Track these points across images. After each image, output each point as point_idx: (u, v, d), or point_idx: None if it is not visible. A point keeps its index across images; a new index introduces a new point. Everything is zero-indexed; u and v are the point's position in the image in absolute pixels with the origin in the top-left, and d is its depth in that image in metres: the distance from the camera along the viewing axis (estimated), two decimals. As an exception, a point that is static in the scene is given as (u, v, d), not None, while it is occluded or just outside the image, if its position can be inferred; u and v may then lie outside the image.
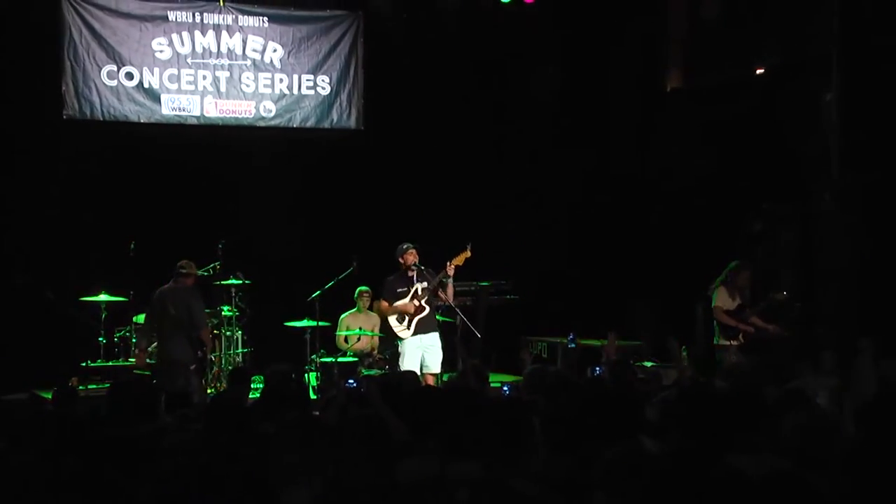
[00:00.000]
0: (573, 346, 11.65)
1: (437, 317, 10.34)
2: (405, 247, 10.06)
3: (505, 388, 8.59)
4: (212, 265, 11.21)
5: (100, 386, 10.59)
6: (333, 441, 3.99)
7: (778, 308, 10.48)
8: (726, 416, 4.14)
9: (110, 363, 11.20)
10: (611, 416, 4.60)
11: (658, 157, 13.45)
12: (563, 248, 13.63)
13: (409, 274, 10.04)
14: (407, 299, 10.03)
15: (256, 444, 4.09)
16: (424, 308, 10.01)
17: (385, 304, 10.18)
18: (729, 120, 12.34)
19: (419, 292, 10.01)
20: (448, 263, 9.90)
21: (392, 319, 10.16)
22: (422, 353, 9.98)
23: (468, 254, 9.98)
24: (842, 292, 10.71)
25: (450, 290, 10.05)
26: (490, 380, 9.02)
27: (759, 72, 12.14)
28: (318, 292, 10.90)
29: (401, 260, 10.08)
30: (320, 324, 10.99)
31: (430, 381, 9.77)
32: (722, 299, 10.29)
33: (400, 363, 10.02)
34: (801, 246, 11.43)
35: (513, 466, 4.09)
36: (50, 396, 7.33)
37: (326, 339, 11.45)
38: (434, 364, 10.02)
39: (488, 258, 10.73)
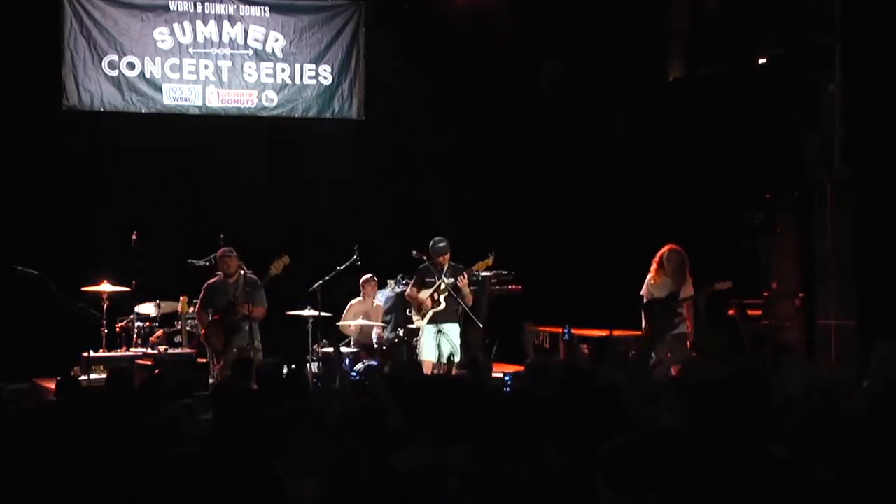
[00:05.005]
0: (567, 338, 11.68)
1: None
2: (441, 246, 10.28)
3: (507, 379, 8.61)
4: (213, 255, 11.21)
5: (101, 376, 10.59)
6: (337, 432, 4.02)
7: (717, 296, 10.37)
8: (730, 408, 4.14)
9: (112, 353, 11.20)
10: (613, 408, 4.62)
11: (660, 147, 13.45)
12: (565, 238, 13.64)
13: (440, 267, 10.29)
14: (428, 293, 10.28)
15: (264, 433, 4.11)
16: (440, 303, 10.25)
17: (413, 291, 10.55)
18: (730, 110, 12.33)
19: (441, 287, 10.17)
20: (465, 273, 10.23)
21: (413, 307, 10.58)
22: (438, 343, 10.10)
23: (490, 262, 10.25)
24: (842, 284, 10.71)
25: (464, 280, 10.27)
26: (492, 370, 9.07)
27: (760, 62, 12.12)
28: (319, 282, 10.92)
29: (434, 257, 10.33)
30: (322, 314, 11.01)
31: (452, 370, 9.90)
32: (647, 289, 10.09)
33: (418, 351, 10.32)
34: (801, 237, 11.42)
35: (513, 457, 4.11)
36: (52, 386, 7.36)
37: (328, 329, 11.48)
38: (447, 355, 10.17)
39: (490, 248, 10.74)
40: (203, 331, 10.48)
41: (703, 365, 7.64)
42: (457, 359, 10.22)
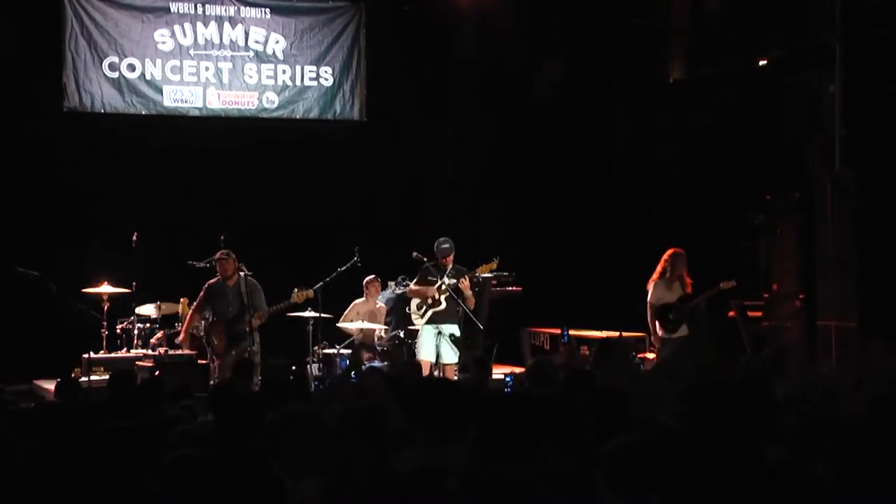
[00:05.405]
0: (566, 339, 11.69)
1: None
2: (446, 247, 10.18)
3: (508, 380, 8.60)
4: (213, 257, 11.21)
5: (102, 377, 10.59)
6: (337, 432, 4.02)
7: (718, 297, 10.36)
8: (730, 408, 4.14)
9: (113, 355, 11.20)
10: (614, 409, 4.62)
11: (660, 147, 13.45)
12: (565, 240, 13.64)
13: (443, 268, 10.22)
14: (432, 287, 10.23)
15: (265, 434, 4.11)
16: (441, 303, 10.17)
17: (414, 287, 10.43)
18: (730, 111, 12.34)
19: (442, 287, 10.14)
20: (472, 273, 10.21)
21: (413, 305, 10.45)
22: (437, 344, 10.10)
23: (494, 265, 10.25)
24: (842, 284, 10.71)
25: (466, 283, 10.19)
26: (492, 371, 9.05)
27: (761, 63, 12.13)
28: (320, 283, 10.91)
29: (438, 258, 10.26)
30: (323, 315, 11.01)
31: (449, 372, 9.88)
32: (656, 294, 10.13)
33: (417, 351, 10.24)
34: (801, 237, 11.42)
35: (512, 457, 4.11)
36: (52, 388, 7.36)
37: (329, 331, 11.47)
38: (447, 356, 10.13)
39: (491, 249, 10.75)
40: (182, 336, 10.48)
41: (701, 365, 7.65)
42: (455, 360, 10.20)
